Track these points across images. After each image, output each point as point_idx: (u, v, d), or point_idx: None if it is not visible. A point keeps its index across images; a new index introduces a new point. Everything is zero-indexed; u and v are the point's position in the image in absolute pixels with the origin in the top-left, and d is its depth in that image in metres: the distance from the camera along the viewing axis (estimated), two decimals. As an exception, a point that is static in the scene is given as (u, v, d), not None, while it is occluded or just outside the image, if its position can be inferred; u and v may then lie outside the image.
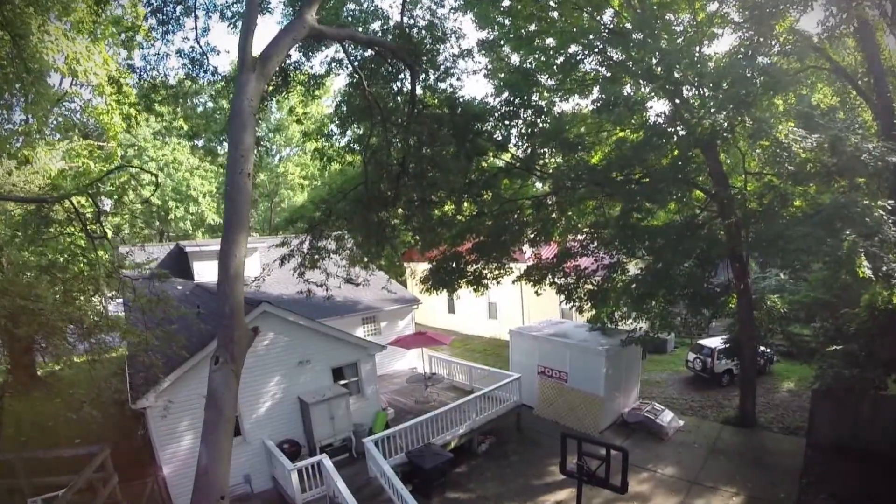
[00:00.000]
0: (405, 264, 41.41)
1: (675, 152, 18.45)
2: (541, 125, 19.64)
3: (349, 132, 19.52)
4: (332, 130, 19.94)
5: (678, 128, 18.16)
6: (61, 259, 13.02)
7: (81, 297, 13.02)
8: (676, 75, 16.70)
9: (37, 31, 16.11)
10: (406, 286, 35.39)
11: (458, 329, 39.25)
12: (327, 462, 14.46)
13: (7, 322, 12.35)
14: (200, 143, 46.15)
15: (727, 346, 21.38)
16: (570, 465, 11.93)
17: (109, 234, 13.24)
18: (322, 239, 18.92)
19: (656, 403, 21.09)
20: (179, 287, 21.88)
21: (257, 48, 9.84)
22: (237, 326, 7.91)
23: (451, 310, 41.30)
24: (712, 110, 15.73)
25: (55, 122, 23.86)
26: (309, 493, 14.38)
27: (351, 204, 18.68)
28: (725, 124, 15.27)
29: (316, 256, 18.57)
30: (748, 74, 15.83)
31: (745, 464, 17.14)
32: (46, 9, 16.05)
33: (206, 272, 24.63)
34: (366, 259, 20.70)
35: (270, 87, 16.42)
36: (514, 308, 34.51)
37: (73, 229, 12.79)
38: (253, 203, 50.84)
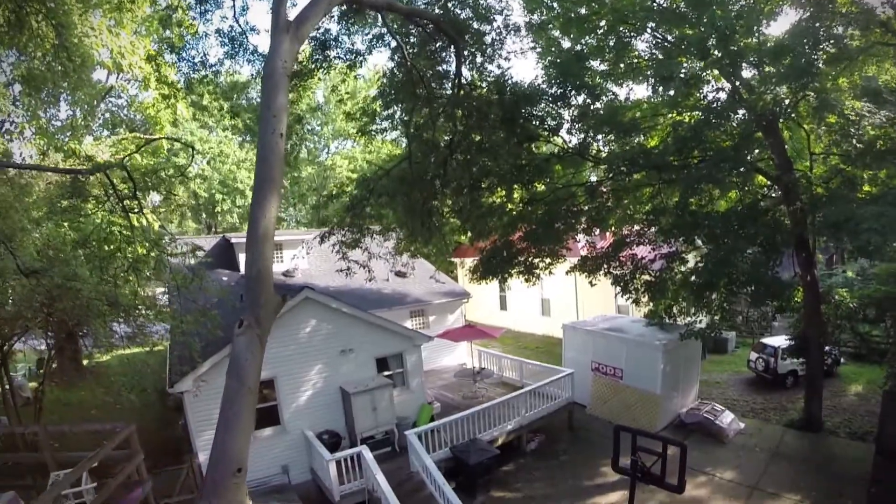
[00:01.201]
0: (455, 259, 41.07)
1: (735, 135, 17.51)
2: (594, 109, 18.89)
3: (394, 108, 18.99)
4: (375, 109, 19.51)
5: (738, 110, 17.27)
6: (97, 240, 12.95)
7: (119, 275, 12.90)
8: (733, 48, 15.76)
9: (79, 23, 16.29)
10: (457, 280, 34.84)
11: (511, 326, 38.47)
12: (367, 454, 13.84)
13: (45, 301, 12.33)
14: (247, 137, 46.37)
15: (793, 343, 20.21)
16: (622, 463, 11.21)
17: (148, 213, 13.07)
18: (363, 218, 18.50)
19: (716, 404, 19.99)
20: (225, 278, 21.88)
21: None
22: (264, 290, 7.48)
23: (504, 306, 40.72)
24: (773, 83, 14.83)
25: (103, 118, 24.36)
26: (347, 486, 13.82)
27: (394, 182, 18.13)
28: (787, 100, 14.39)
29: (357, 234, 18.20)
30: (809, 47, 14.85)
31: (809, 470, 16.08)
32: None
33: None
34: (412, 248, 20.25)
35: (311, 66, 16.19)
36: (567, 304, 33.55)
37: (109, 207, 12.66)
38: (300, 197, 51.26)
